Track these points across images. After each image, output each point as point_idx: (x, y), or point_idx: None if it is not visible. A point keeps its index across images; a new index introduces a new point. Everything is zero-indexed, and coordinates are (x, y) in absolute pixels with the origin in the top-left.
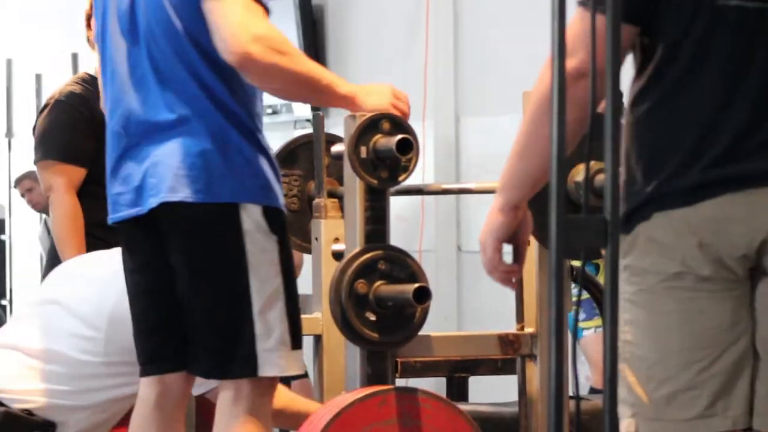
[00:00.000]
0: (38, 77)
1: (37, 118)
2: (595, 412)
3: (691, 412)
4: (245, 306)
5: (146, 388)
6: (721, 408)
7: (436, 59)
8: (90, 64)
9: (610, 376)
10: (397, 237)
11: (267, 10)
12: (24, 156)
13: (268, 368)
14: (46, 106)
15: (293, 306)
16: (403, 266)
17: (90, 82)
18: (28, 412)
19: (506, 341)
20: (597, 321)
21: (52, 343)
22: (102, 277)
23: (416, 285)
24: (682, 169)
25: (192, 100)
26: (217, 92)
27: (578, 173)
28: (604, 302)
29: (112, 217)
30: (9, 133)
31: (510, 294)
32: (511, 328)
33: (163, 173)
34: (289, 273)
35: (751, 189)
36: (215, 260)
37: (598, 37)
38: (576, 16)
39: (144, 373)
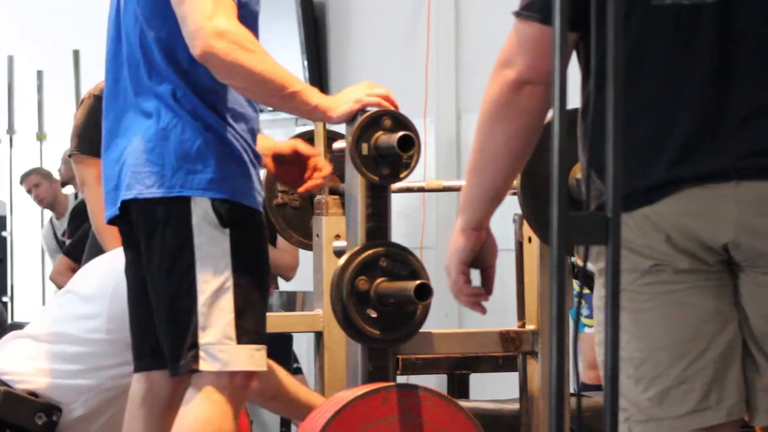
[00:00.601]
0: (39, 74)
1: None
2: (596, 409)
3: (683, 407)
4: (192, 299)
5: (134, 384)
6: (714, 400)
7: (438, 56)
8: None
9: (611, 375)
10: (398, 234)
11: (237, 5)
12: (25, 153)
13: (208, 362)
14: (83, 99)
15: (245, 300)
16: (404, 263)
17: None
18: (33, 393)
19: (507, 338)
20: None
21: (60, 327)
22: (108, 258)
23: (417, 282)
24: (640, 170)
25: (153, 95)
26: (175, 86)
27: (579, 170)
28: (606, 300)
29: (105, 217)
30: (10, 130)
31: (511, 291)
32: (513, 324)
33: (125, 172)
34: (244, 267)
35: (707, 185)
36: (165, 252)
37: (540, 46)
38: (512, 27)
39: (134, 369)
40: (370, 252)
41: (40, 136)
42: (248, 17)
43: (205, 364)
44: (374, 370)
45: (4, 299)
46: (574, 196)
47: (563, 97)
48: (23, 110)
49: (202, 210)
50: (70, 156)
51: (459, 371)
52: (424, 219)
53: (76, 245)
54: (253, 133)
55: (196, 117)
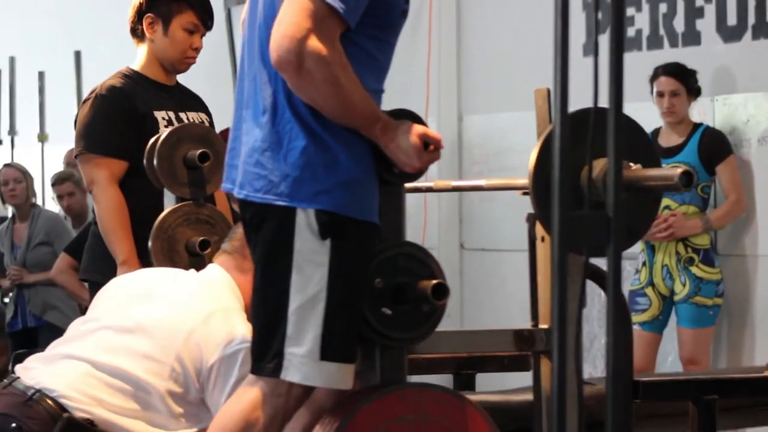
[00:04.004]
0: (41, 75)
1: (78, 112)
2: (600, 397)
3: None
4: (283, 305)
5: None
6: None
7: (439, 57)
8: (137, 59)
9: (613, 372)
10: None
11: (343, 19)
12: (27, 154)
13: (291, 372)
14: (86, 100)
15: (336, 316)
16: (421, 263)
17: (132, 76)
18: (90, 422)
19: (521, 337)
20: (640, 316)
21: (120, 361)
22: (181, 298)
23: (435, 281)
24: None
25: (271, 98)
26: (293, 96)
27: (595, 168)
28: (607, 297)
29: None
30: (12, 131)
31: (511, 291)
32: (512, 324)
33: (240, 163)
34: (340, 281)
35: None
36: (265, 256)
37: None
38: None
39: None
40: (387, 251)
41: (42, 138)
42: (372, 42)
43: (286, 374)
44: (389, 369)
45: (6, 300)
46: (584, 196)
47: (564, 99)
48: (25, 111)
49: (305, 220)
50: (76, 156)
51: (465, 371)
52: (425, 219)
53: (78, 243)
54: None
55: (309, 123)
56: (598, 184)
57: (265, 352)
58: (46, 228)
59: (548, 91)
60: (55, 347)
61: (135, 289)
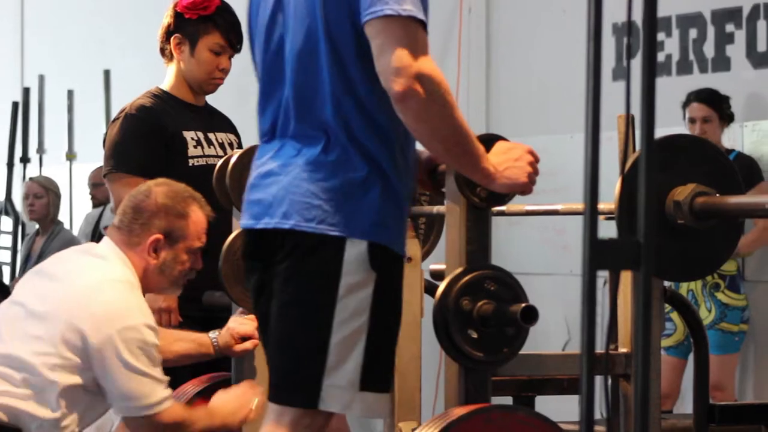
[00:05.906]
0: (70, 93)
1: (107, 131)
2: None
3: None
4: (324, 335)
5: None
6: None
7: (468, 80)
8: (166, 79)
9: (642, 398)
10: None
11: (425, 28)
12: (55, 172)
13: (330, 402)
14: (116, 119)
15: (377, 346)
16: (507, 286)
17: (162, 96)
18: None
19: (598, 361)
20: (665, 341)
21: (10, 348)
22: (65, 271)
23: (524, 305)
24: None
25: (324, 126)
26: (352, 123)
27: (678, 193)
28: (635, 324)
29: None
30: (41, 149)
31: (541, 314)
32: (540, 348)
33: (282, 196)
34: (382, 313)
35: None
36: (308, 285)
37: None
38: None
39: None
40: (475, 274)
41: (70, 156)
42: None
43: (324, 404)
44: (474, 391)
45: None
46: (669, 219)
47: (596, 116)
48: (53, 130)
49: (356, 251)
50: (105, 176)
51: (525, 393)
52: None
53: None
54: (411, 176)
55: (368, 152)
56: (684, 209)
57: (298, 383)
58: (57, 249)
59: (632, 117)
60: None
61: (34, 273)
